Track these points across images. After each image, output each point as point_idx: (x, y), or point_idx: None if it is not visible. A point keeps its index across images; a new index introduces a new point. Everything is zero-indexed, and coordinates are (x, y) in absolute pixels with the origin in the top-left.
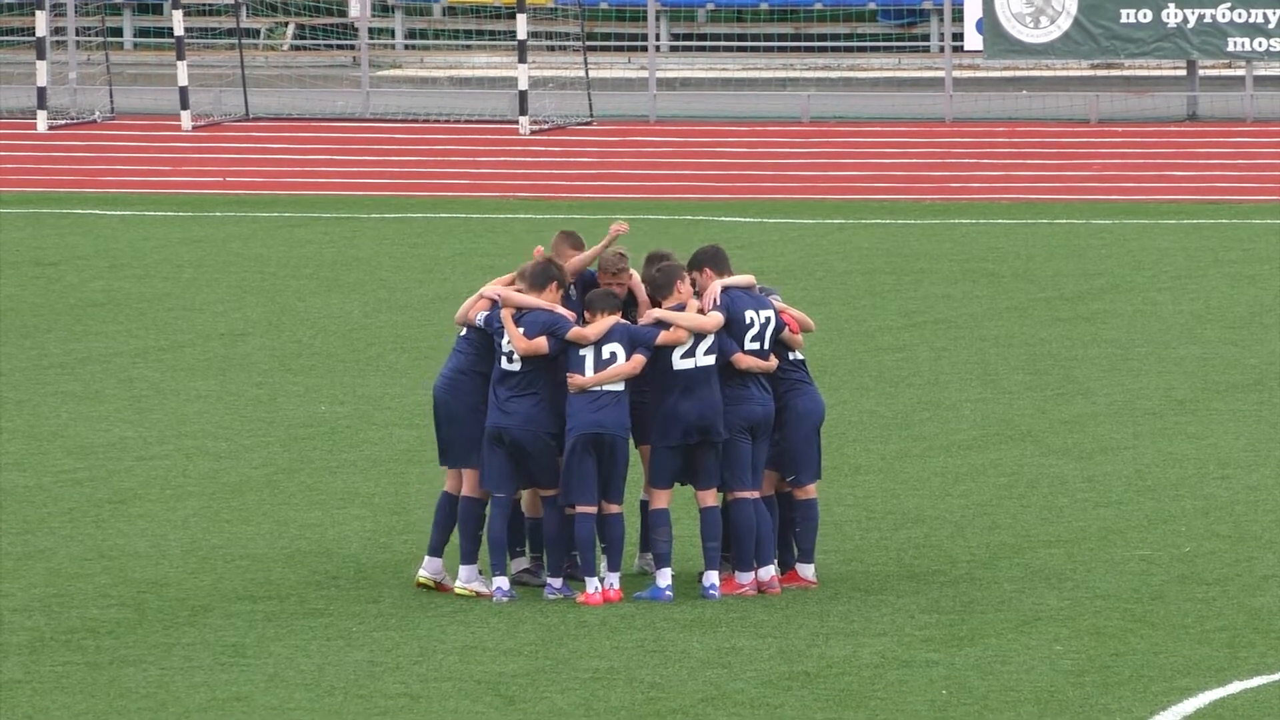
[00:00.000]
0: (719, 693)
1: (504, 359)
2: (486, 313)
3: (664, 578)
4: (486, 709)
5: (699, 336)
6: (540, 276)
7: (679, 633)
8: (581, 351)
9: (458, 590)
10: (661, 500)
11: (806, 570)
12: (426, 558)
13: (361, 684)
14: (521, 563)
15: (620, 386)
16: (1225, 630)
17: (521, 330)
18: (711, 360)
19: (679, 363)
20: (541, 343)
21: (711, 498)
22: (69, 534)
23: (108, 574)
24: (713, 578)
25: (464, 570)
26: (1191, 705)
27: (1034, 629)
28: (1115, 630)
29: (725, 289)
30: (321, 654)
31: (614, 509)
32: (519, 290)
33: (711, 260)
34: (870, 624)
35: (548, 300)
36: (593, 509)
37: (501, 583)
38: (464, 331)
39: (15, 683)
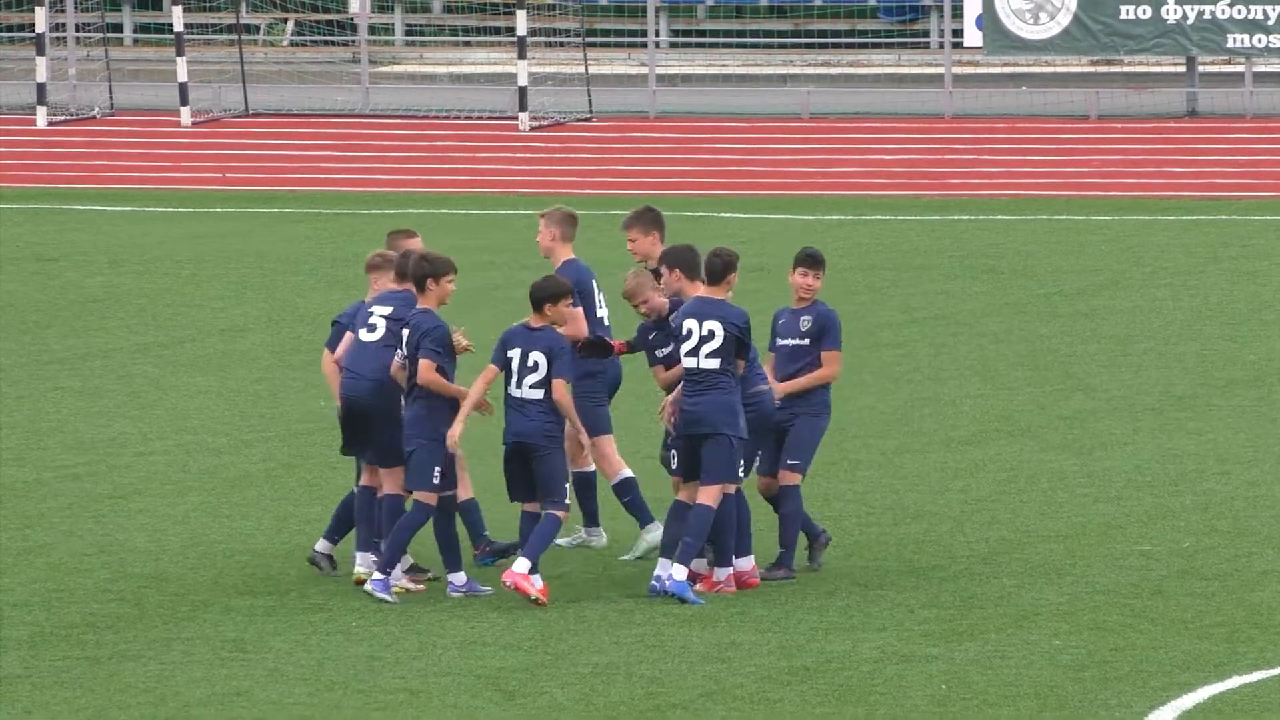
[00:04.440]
0: (718, 688)
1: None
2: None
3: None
4: (486, 704)
5: (704, 337)
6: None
7: (678, 628)
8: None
9: (360, 575)
10: (685, 494)
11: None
12: (358, 554)
13: (361, 679)
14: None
15: (538, 394)
16: (1224, 625)
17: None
18: (714, 364)
19: (685, 360)
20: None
21: (706, 495)
22: (68, 529)
23: (107, 569)
24: (669, 568)
25: (362, 557)
26: (1191, 700)
27: (1033, 624)
28: (1115, 625)
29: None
30: (321, 649)
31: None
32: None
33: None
34: (870, 619)
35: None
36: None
37: (457, 578)
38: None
39: (15, 677)
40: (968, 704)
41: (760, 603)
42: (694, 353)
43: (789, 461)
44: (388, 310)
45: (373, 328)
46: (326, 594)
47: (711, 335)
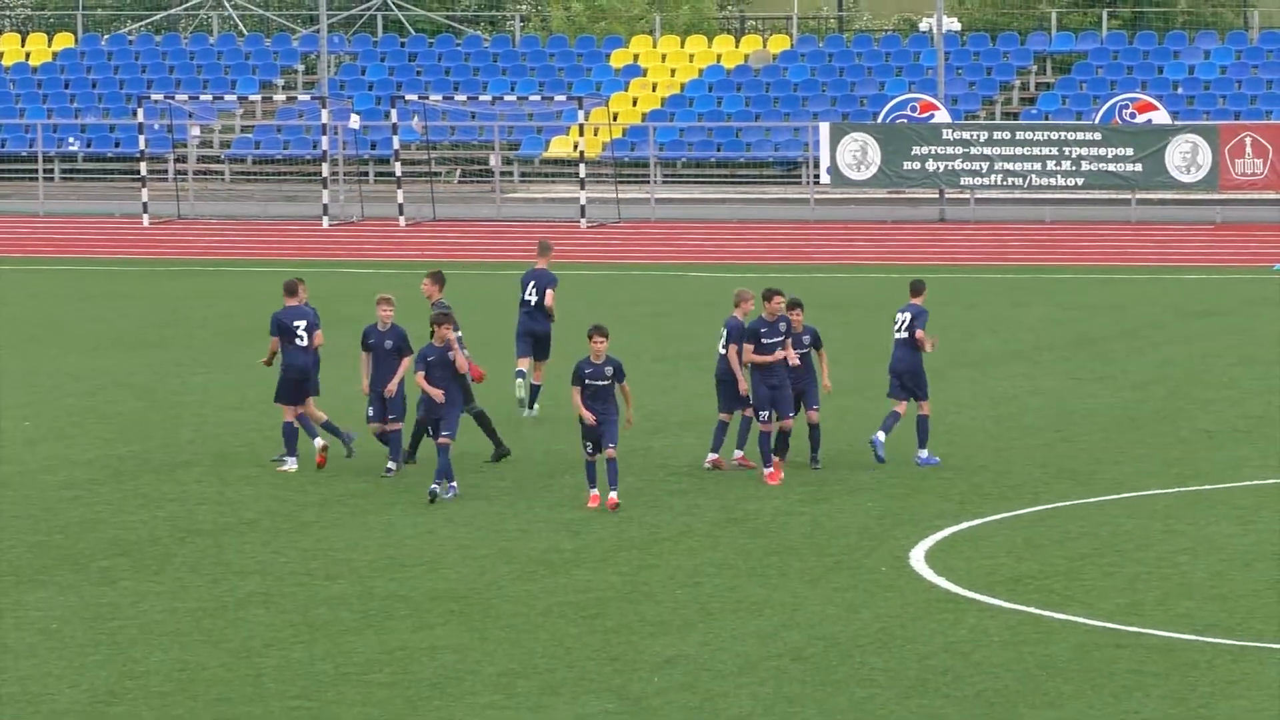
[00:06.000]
0: (688, 530)
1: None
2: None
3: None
4: (562, 540)
5: (903, 322)
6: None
7: (670, 498)
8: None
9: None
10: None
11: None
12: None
13: (494, 525)
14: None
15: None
16: (960, 494)
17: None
18: (904, 335)
19: (896, 334)
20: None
21: (923, 409)
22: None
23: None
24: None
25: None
26: (941, 535)
27: (858, 494)
28: (900, 494)
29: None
30: (473, 508)
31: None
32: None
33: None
34: (770, 491)
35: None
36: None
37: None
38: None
39: (309, 523)
40: (821, 536)
41: (714, 481)
42: (899, 330)
43: (815, 406)
44: (304, 322)
45: (301, 336)
46: (475, 480)
47: (907, 320)
